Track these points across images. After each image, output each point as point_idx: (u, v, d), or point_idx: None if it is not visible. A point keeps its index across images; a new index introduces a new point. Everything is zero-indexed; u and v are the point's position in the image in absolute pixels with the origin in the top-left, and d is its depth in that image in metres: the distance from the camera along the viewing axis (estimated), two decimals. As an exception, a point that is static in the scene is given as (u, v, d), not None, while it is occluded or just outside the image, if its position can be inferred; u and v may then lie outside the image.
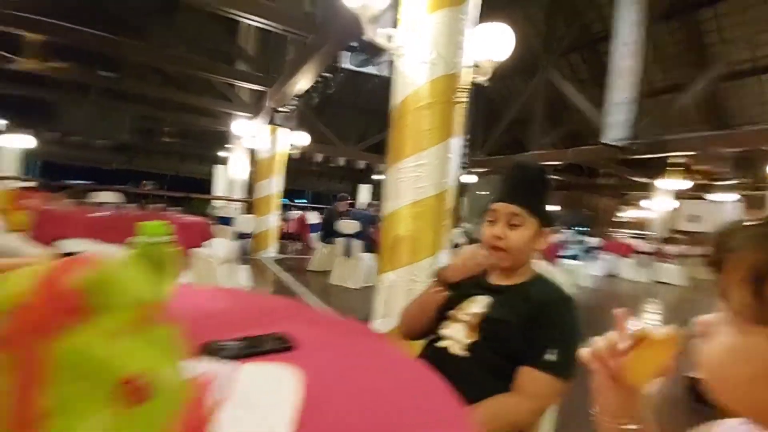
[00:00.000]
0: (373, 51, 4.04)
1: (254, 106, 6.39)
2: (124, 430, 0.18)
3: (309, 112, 6.80)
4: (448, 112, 1.91)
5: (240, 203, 6.88)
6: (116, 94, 7.16)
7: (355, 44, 3.93)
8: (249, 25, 5.47)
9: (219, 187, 8.04)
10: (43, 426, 0.17)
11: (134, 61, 6.01)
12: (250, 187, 6.50)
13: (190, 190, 7.66)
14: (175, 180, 11.25)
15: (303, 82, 4.63)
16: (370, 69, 4.73)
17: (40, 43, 5.26)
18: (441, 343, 0.84)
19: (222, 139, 8.06)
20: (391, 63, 2.30)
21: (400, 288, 1.90)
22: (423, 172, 1.87)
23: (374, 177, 11.28)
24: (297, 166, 6.55)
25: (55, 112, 7.66)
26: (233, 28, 6.41)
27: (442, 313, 0.89)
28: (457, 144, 2.02)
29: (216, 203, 7.31)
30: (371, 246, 4.04)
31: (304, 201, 9.61)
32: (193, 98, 6.97)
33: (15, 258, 1.13)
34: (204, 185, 9.60)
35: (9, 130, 6.94)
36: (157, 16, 6.07)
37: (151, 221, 0.38)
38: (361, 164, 9.76)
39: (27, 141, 7.23)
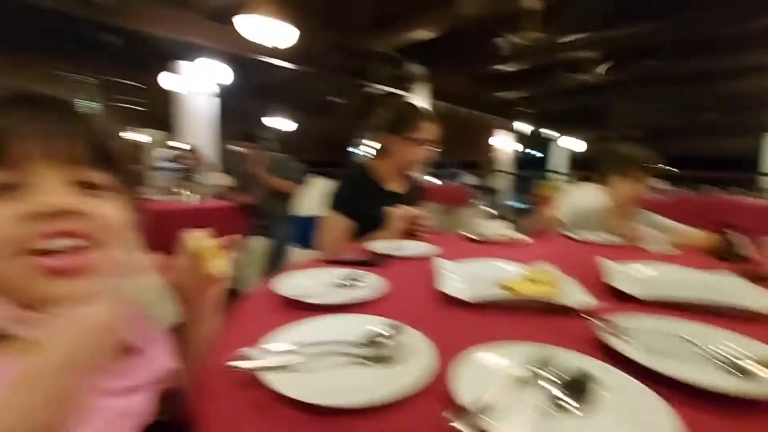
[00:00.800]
0: None
1: None
2: None
3: None
4: None
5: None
6: (652, 82, 7.24)
7: None
8: None
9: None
10: None
11: (669, 42, 5.79)
12: None
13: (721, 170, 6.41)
14: (704, 160, 9.91)
15: None
16: None
17: (588, 57, 6.30)
18: None
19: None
20: None
21: None
22: None
23: None
24: None
25: (596, 113, 9.03)
26: None
27: None
28: None
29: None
30: None
31: None
32: (744, 58, 5.72)
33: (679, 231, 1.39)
34: (739, 163, 7.85)
35: (561, 135, 9.15)
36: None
37: None
38: None
39: (575, 144, 9.20)
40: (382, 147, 1.44)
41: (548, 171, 9.40)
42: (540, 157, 11.74)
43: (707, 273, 0.87)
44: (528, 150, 11.38)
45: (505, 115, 9.16)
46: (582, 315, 0.63)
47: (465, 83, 8.15)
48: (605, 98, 8.16)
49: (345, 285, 0.77)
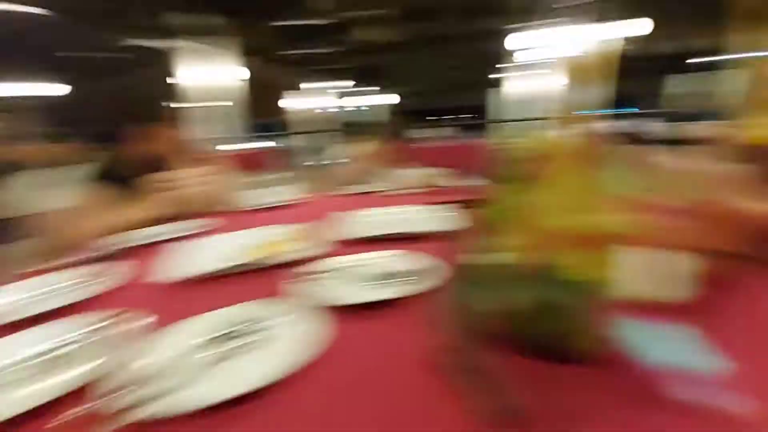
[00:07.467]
0: None
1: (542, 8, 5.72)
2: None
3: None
4: None
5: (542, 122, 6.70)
6: (426, 44, 8.28)
7: None
8: None
9: (496, 110, 8.27)
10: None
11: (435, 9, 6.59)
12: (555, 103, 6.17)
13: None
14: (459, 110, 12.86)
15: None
16: None
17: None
18: None
19: (499, 59, 7.70)
20: None
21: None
22: None
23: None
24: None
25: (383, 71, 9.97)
26: None
27: None
28: None
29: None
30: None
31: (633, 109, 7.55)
32: (479, 23, 7.03)
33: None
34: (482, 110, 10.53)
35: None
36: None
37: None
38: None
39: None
40: None
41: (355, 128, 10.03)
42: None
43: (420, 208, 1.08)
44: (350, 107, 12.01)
45: (310, 71, 9.12)
46: (291, 266, 0.69)
47: (267, 37, 7.64)
48: (397, 56, 8.99)
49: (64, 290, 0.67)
